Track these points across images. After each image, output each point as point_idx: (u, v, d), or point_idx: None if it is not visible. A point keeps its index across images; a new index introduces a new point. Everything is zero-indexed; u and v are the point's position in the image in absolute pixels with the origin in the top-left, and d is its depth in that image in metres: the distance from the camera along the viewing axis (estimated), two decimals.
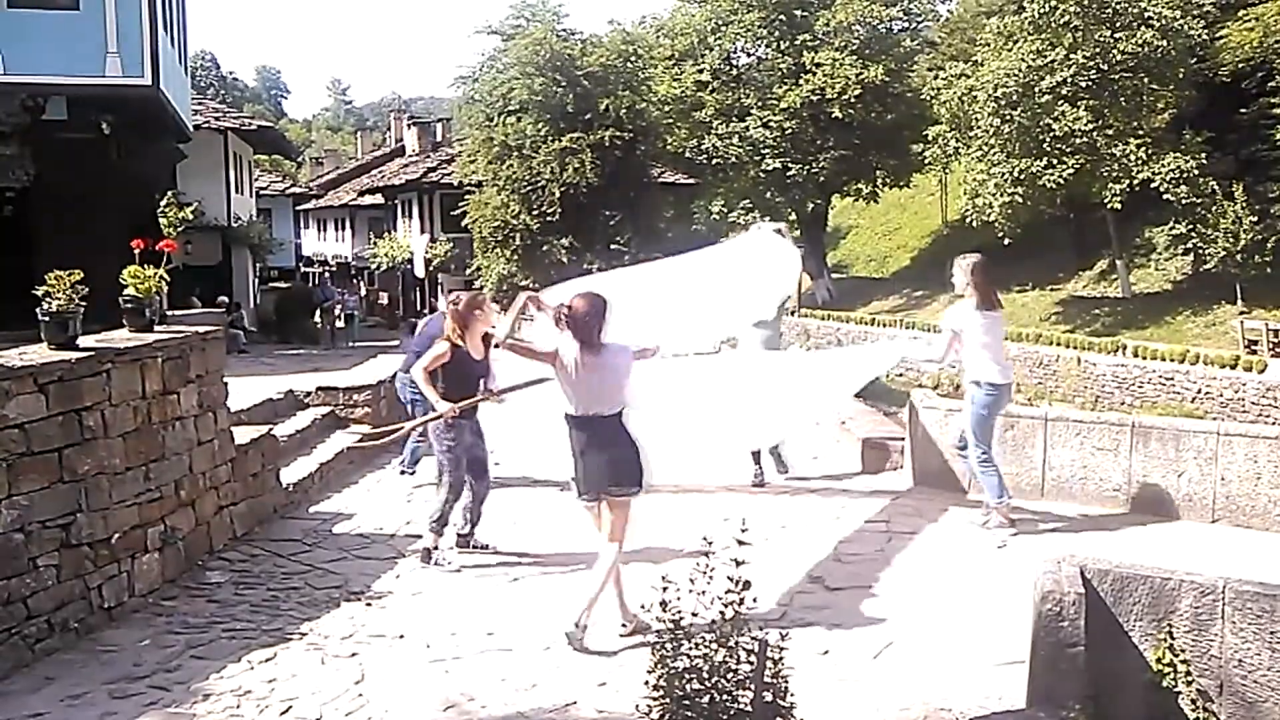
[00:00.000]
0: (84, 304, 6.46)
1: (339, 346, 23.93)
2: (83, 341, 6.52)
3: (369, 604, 6.79)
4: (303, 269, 50.92)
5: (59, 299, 6.35)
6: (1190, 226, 30.12)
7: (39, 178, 14.66)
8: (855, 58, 40.76)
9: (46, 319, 6.37)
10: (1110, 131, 30.75)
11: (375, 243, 47.87)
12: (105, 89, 14.51)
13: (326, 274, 32.04)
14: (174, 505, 7.13)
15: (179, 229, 7.73)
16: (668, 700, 4.04)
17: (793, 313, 38.94)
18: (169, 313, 8.41)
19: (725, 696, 4.03)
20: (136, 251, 7.33)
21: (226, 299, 22.78)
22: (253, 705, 5.30)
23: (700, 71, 44.11)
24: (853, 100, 40.13)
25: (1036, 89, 31.15)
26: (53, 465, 5.97)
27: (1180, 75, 31.05)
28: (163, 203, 7.79)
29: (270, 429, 9.36)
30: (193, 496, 7.42)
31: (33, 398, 5.85)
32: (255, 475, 8.57)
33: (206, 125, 25.30)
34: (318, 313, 28.81)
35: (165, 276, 7.48)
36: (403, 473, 10.57)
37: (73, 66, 14.21)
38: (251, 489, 8.47)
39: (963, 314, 8.23)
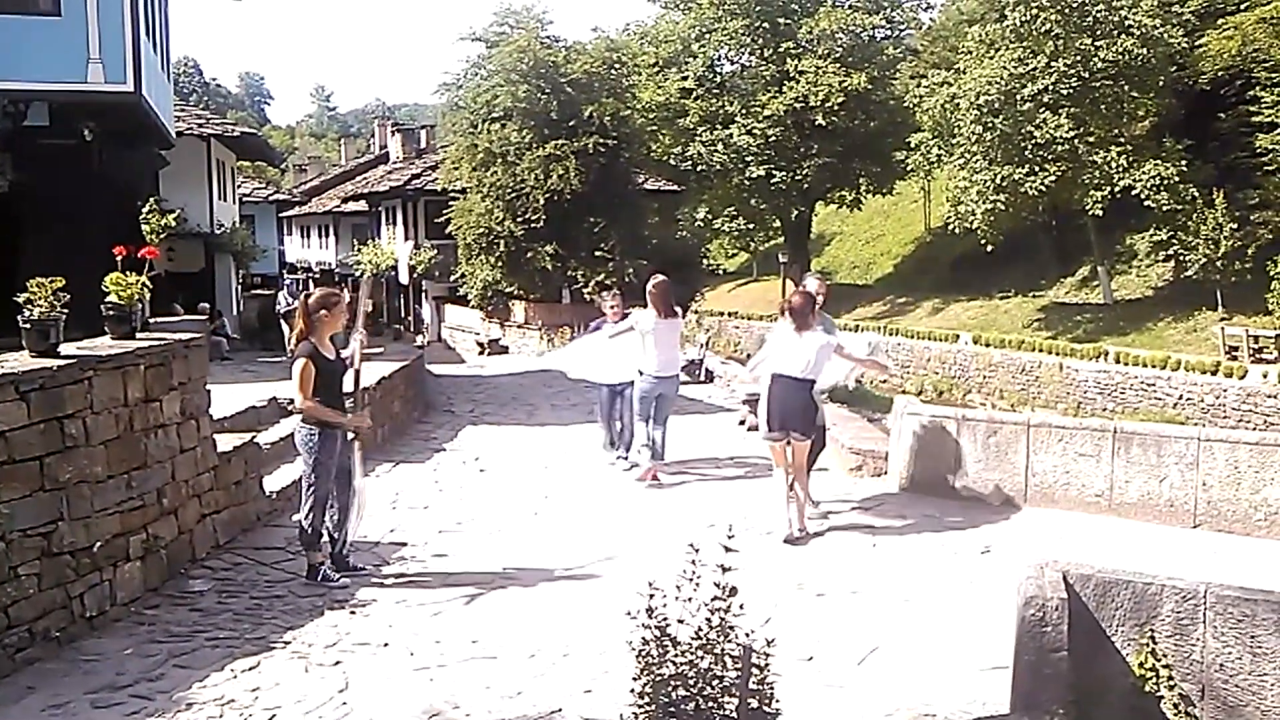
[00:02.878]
0: (66, 311, 6.43)
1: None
2: (64, 349, 6.49)
3: (353, 612, 6.77)
4: (286, 276, 50.74)
5: (40, 306, 6.32)
6: (1171, 233, 30.37)
7: (20, 184, 14.54)
8: (838, 65, 40.94)
9: (28, 326, 6.34)
10: (1091, 139, 30.97)
11: (359, 249, 47.75)
12: (87, 95, 14.40)
13: (290, 280, 29.42)
14: (156, 513, 7.09)
15: (161, 236, 7.71)
16: (653, 707, 4.04)
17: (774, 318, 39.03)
18: (151, 320, 8.35)
19: (711, 703, 4.03)
20: (119, 258, 7.30)
21: (209, 306, 22.60)
22: (236, 714, 5.27)
23: (684, 79, 44.22)
24: (836, 108, 40.29)
25: (1018, 97, 31.35)
26: (34, 473, 5.93)
27: (1160, 83, 31.31)
28: (145, 209, 7.77)
29: (253, 436, 9.32)
30: (175, 504, 7.38)
31: (14, 405, 5.81)
32: (238, 483, 8.53)
33: (189, 132, 25.13)
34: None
35: (148, 283, 7.45)
36: (618, 458, 11.24)
37: (54, 73, 14.10)
38: (234, 497, 8.43)
39: (644, 319, 10.46)
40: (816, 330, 8.47)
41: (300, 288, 27.76)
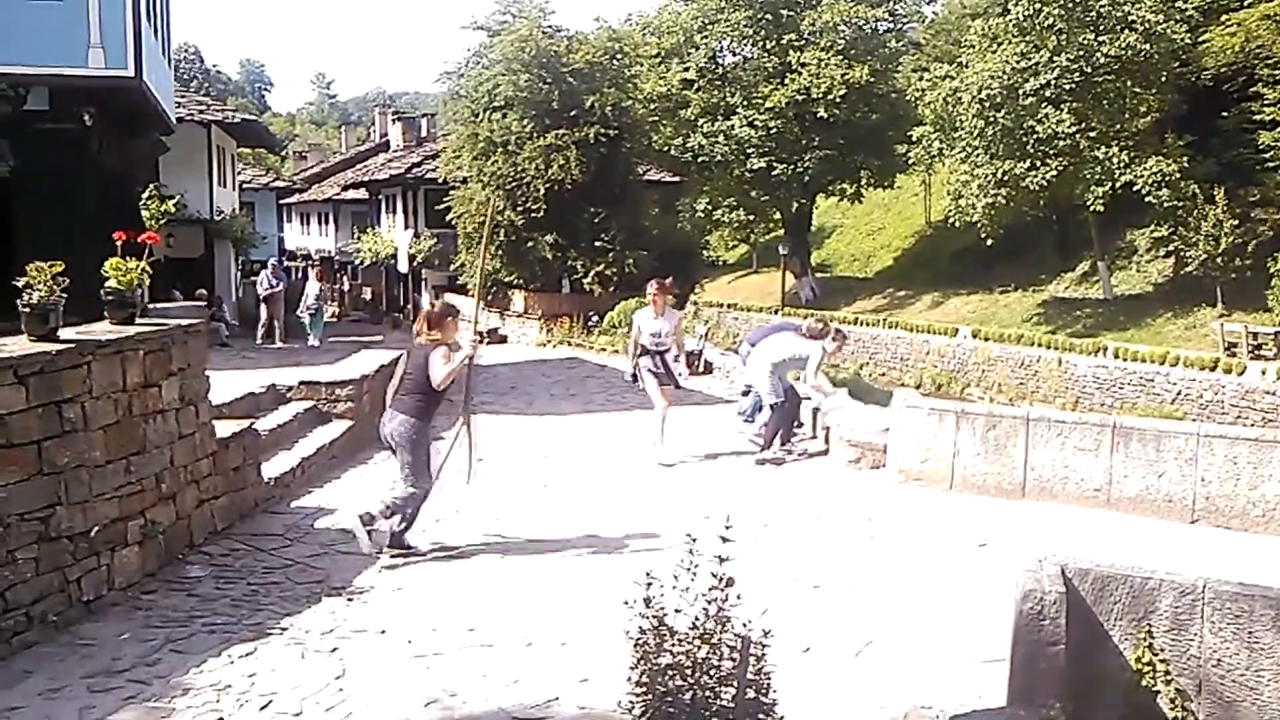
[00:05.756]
0: (65, 296, 6.42)
1: (290, 345, 21.92)
2: (63, 333, 6.48)
3: (350, 599, 6.77)
4: (285, 263, 50.63)
5: (40, 290, 6.30)
6: (1172, 229, 30.34)
7: (20, 169, 14.50)
8: (840, 58, 40.84)
9: (27, 310, 6.32)
10: (1093, 134, 30.92)
11: (359, 237, 47.68)
12: (88, 80, 14.34)
13: (274, 262, 26.49)
14: (154, 499, 7.08)
15: (161, 221, 7.70)
16: (650, 697, 4.04)
17: (776, 310, 39.09)
18: (150, 305, 8.34)
19: (707, 693, 4.03)
20: (118, 244, 7.29)
21: (206, 292, 22.47)
22: (232, 700, 5.27)
23: (686, 70, 44.11)
24: (838, 100, 40.21)
25: (1020, 91, 31.29)
26: (32, 457, 5.92)
27: (1163, 79, 31.25)
28: (145, 195, 7.76)
29: (252, 423, 9.31)
30: (173, 490, 7.37)
31: (12, 389, 5.80)
32: (236, 469, 8.53)
33: (190, 118, 25.07)
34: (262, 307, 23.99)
35: (147, 269, 7.44)
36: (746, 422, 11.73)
37: (55, 57, 14.03)
38: (233, 483, 8.43)
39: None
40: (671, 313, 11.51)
41: (300, 274, 26.51)
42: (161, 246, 7.75)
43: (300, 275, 38.43)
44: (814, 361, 11.03)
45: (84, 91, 14.70)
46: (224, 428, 8.50)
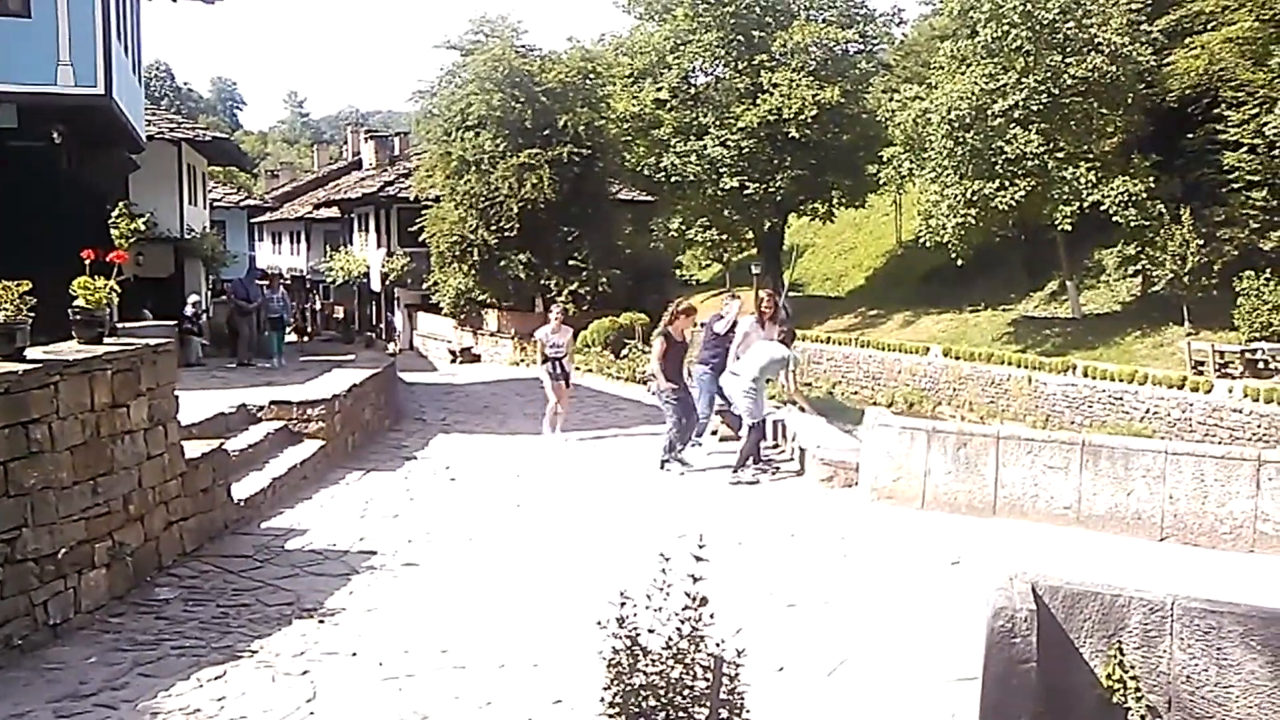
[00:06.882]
0: (32, 315, 6.36)
1: (258, 364, 19.92)
2: (30, 353, 6.41)
3: (321, 621, 6.71)
4: (255, 282, 50.20)
5: (6, 310, 6.25)
6: (1139, 249, 30.67)
7: None
8: (812, 79, 41.12)
9: None
10: (1061, 154, 31.24)
11: (331, 256, 47.49)
12: (57, 98, 14.25)
13: (233, 281, 23.85)
14: (123, 520, 7.01)
15: (130, 240, 7.68)
16: (624, 717, 4.03)
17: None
18: (119, 325, 8.27)
19: (681, 713, 4.02)
20: (87, 262, 7.23)
21: (197, 299, 21.77)
22: None
23: (659, 90, 44.27)
24: (809, 120, 40.45)
25: (989, 112, 31.59)
26: None
27: (1129, 100, 31.64)
28: (114, 213, 7.72)
29: (222, 443, 9.23)
30: (142, 511, 7.30)
31: None
32: (206, 490, 8.46)
33: (160, 136, 24.83)
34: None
35: (116, 288, 7.39)
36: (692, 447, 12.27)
37: (24, 74, 13.94)
38: (202, 504, 8.36)
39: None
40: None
41: (280, 292, 25.04)
42: (131, 265, 7.69)
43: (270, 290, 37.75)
44: (789, 371, 11.72)
45: (53, 109, 14.60)
46: (193, 448, 8.44)
